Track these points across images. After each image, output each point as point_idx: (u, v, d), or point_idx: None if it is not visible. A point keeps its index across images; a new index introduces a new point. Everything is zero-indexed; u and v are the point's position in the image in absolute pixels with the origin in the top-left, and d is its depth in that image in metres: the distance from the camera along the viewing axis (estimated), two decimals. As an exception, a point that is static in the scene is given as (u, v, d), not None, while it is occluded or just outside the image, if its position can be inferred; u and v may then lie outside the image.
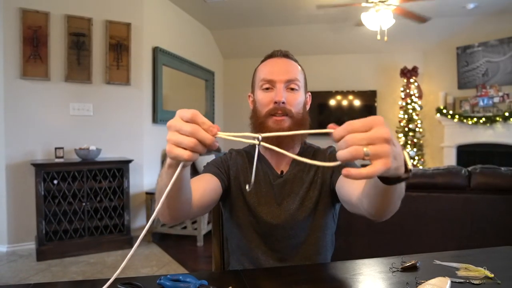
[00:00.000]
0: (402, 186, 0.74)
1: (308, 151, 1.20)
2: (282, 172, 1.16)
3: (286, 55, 1.15)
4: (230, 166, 1.17)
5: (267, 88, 1.10)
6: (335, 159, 1.10)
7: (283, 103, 1.06)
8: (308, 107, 1.18)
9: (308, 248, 1.13)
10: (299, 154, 1.18)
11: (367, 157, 0.56)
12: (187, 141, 0.62)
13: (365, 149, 0.56)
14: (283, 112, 1.06)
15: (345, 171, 0.57)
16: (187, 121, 0.63)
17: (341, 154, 0.57)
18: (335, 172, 1.10)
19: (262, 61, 1.18)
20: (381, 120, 0.59)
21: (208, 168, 1.13)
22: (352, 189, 0.95)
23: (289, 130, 1.04)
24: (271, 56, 1.16)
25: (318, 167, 1.14)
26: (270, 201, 1.13)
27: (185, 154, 0.62)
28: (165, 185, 0.74)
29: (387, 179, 0.68)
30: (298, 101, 1.10)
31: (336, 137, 0.58)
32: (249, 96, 1.22)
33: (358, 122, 0.57)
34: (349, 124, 0.57)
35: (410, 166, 0.65)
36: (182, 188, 0.79)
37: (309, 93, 1.21)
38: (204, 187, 1.02)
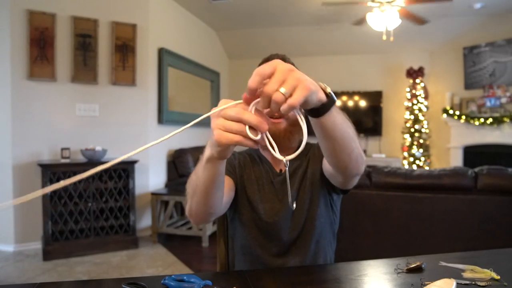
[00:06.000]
0: (340, 118, 0.77)
1: (305, 148, 1.23)
2: (281, 170, 1.22)
3: (283, 58, 1.19)
4: (236, 166, 1.23)
5: None
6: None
7: None
8: None
9: (306, 237, 1.17)
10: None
11: (287, 95, 0.58)
12: (236, 126, 0.62)
13: (282, 89, 0.58)
14: (279, 115, 1.11)
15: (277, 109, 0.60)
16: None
17: (272, 107, 0.59)
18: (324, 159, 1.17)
19: (260, 64, 1.21)
20: (278, 61, 0.61)
21: None
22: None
23: (285, 131, 1.13)
24: (268, 60, 1.19)
25: (309, 160, 1.21)
26: (272, 198, 1.19)
27: (235, 137, 0.62)
28: (203, 181, 0.79)
29: (316, 112, 0.71)
30: None
31: (252, 90, 0.60)
32: None
33: (261, 69, 0.60)
34: (256, 74, 0.60)
35: (328, 90, 0.69)
36: (220, 183, 0.82)
37: None
38: (225, 184, 1.09)
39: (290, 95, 0.58)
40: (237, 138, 0.61)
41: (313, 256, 1.16)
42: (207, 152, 0.73)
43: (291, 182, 1.18)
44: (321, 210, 1.17)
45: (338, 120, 0.76)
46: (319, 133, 0.80)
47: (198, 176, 0.81)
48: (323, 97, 0.67)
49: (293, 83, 0.59)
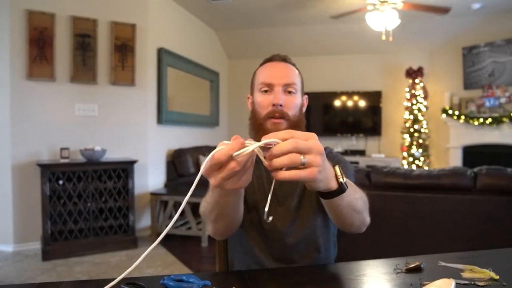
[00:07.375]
0: (348, 199, 0.79)
1: None
2: None
3: (284, 59, 1.18)
4: None
5: (266, 91, 1.13)
6: (334, 161, 1.13)
7: (280, 105, 1.09)
8: (304, 109, 1.22)
9: (307, 246, 1.14)
10: None
11: (302, 166, 0.60)
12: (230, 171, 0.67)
13: (302, 158, 0.60)
14: (280, 115, 1.10)
15: (274, 174, 0.63)
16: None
17: (280, 160, 0.61)
18: None
19: (261, 64, 1.22)
20: (316, 136, 0.65)
21: None
22: None
23: None
24: (270, 60, 1.19)
25: None
26: (271, 199, 1.14)
27: (228, 184, 0.68)
28: (226, 207, 0.84)
29: (324, 194, 0.74)
30: (295, 104, 1.13)
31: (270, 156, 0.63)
32: (248, 97, 1.25)
33: (299, 133, 0.63)
34: (291, 132, 0.63)
35: (341, 180, 0.71)
36: (239, 204, 0.87)
37: (306, 96, 1.24)
38: None
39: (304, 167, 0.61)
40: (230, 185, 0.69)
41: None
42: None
43: (291, 185, 1.15)
44: (323, 218, 1.14)
45: (344, 203, 0.78)
46: (324, 205, 0.83)
47: (218, 202, 0.83)
48: (332, 187, 0.70)
49: (311, 162, 0.61)
